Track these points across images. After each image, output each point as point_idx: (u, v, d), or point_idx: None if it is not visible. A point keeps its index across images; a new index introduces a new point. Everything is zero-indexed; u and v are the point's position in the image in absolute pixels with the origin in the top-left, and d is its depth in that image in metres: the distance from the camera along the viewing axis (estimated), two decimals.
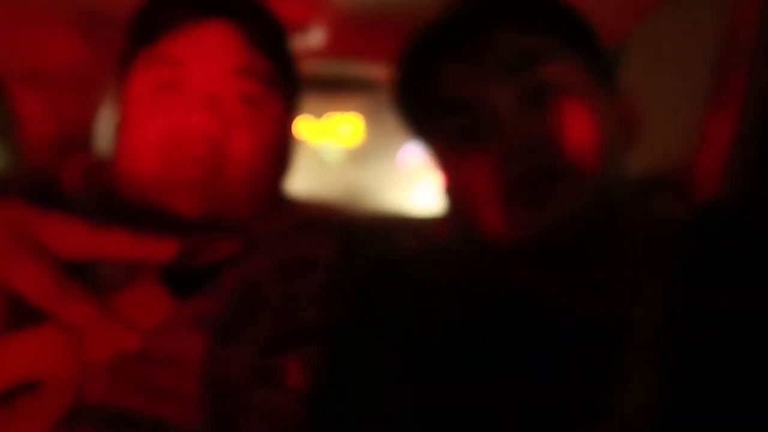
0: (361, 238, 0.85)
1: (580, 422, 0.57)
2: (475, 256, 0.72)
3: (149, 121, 0.71)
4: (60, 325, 0.59)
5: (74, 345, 0.59)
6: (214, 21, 0.72)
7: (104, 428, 0.59)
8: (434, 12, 0.71)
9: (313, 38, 1.28)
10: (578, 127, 0.60)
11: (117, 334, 0.50)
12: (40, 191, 0.76)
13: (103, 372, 0.62)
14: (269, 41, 0.76)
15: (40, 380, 0.56)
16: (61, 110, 1.36)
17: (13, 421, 0.55)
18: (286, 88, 0.80)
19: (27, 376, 0.55)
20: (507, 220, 0.61)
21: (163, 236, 0.50)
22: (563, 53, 0.63)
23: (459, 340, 0.64)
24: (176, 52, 0.71)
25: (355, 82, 1.65)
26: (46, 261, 0.42)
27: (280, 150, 0.81)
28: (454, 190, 0.70)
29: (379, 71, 1.53)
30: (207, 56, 0.71)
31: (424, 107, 0.69)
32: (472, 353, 0.63)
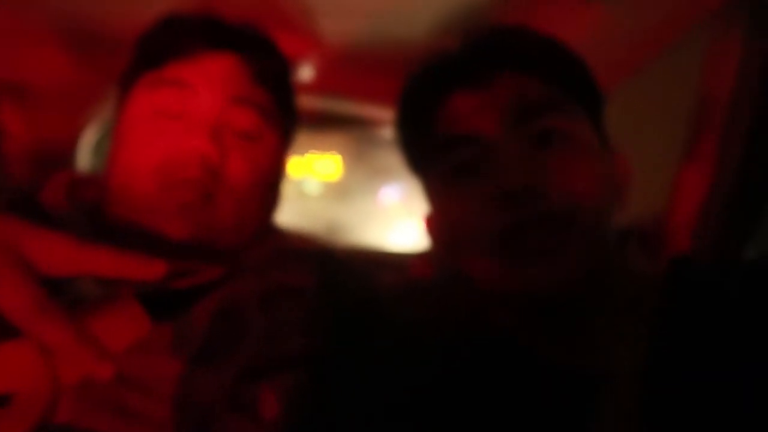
0: (343, 269, 0.85)
1: None
2: (458, 296, 0.72)
3: (148, 142, 0.71)
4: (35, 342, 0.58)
5: (48, 362, 0.58)
6: (222, 52, 0.74)
7: None
8: (425, 54, 0.70)
9: (303, 74, 1.30)
10: (580, 178, 0.58)
11: (91, 361, 0.48)
12: (21, 206, 0.75)
13: (72, 391, 0.60)
14: (272, 77, 0.78)
15: (11, 394, 0.54)
16: (44, 126, 1.35)
17: None
18: (284, 122, 0.82)
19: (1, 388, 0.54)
20: (499, 268, 0.59)
21: (150, 256, 0.49)
22: (570, 105, 0.62)
23: (436, 379, 0.63)
24: (183, 77, 0.72)
25: (341, 119, 1.67)
26: (29, 279, 0.41)
27: (273, 182, 0.82)
28: (444, 229, 0.67)
29: (365, 110, 1.56)
30: (211, 84, 0.72)
31: (426, 141, 0.66)
32: (448, 392, 0.62)
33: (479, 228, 0.59)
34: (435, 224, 0.71)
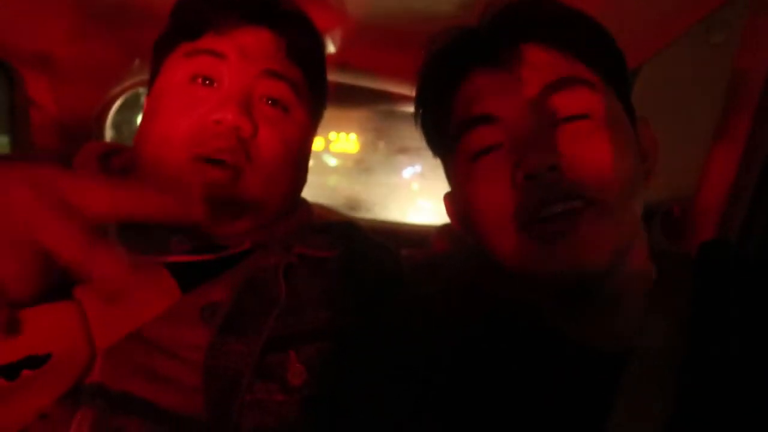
0: (366, 241, 0.86)
1: None
2: (481, 272, 0.71)
3: (181, 111, 0.72)
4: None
5: (84, 324, 0.60)
6: (257, 26, 0.75)
7: (102, 408, 0.59)
8: (444, 30, 0.68)
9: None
10: (606, 156, 0.56)
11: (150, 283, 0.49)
12: None
13: (106, 354, 0.62)
14: (305, 53, 0.79)
15: (49, 355, 0.56)
16: (70, 98, 1.36)
17: (18, 395, 0.55)
18: (314, 98, 0.83)
19: (38, 349, 0.56)
20: (523, 247, 0.58)
21: (189, 199, 0.49)
22: (595, 79, 0.60)
23: (461, 354, 0.64)
24: (218, 48, 0.73)
25: (361, 94, 1.66)
26: (75, 220, 0.41)
27: (301, 157, 0.82)
28: (467, 209, 0.65)
29: (387, 84, 1.55)
30: (245, 57, 0.73)
31: (446, 121, 0.65)
32: (472, 367, 0.63)
33: (503, 208, 0.58)
34: (456, 203, 0.71)
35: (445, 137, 0.66)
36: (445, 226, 1.19)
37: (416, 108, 0.72)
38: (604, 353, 0.59)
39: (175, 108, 0.72)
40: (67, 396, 0.58)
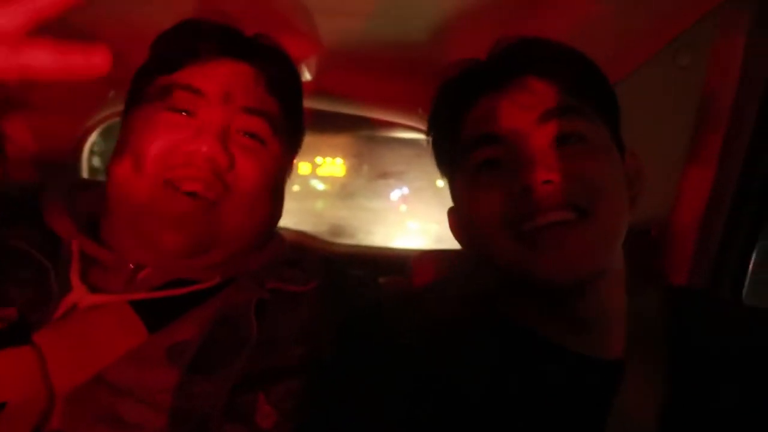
0: (343, 276, 0.85)
1: None
2: (473, 293, 0.75)
3: (155, 135, 0.70)
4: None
5: (43, 370, 0.58)
6: (237, 61, 0.75)
7: None
8: (455, 63, 0.76)
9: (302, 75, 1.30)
10: (595, 176, 0.63)
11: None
12: (17, 205, 0.75)
13: (67, 401, 0.60)
14: (283, 88, 0.80)
15: (4, 404, 0.54)
16: (47, 131, 1.35)
17: None
18: (290, 130, 0.83)
19: None
20: (517, 254, 0.63)
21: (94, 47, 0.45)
22: (588, 110, 0.67)
23: (445, 379, 0.63)
24: (196, 84, 0.72)
25: (343, 118, 1.66)
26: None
27: (278, 189, 0.82)
28: (469, 219, 0.71)
29: (363, 110, 1.55)
30: (224, 94, 0.73)
31: (456, 140, 0.72)
32: (460, 391, 0.62)
33: (500, 216, 0.64)
34: (459, 217, 0.76)
35: (455, 155, 0.73)
36: (424, 253, 1.18)
37: (428, 129, 0.80)
38: (599, 362, 0.64)
39: (150, 132, 0.71)
40: None
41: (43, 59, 0.44)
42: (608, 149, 0.67)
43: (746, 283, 0.97)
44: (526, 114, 0.66)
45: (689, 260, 0.95)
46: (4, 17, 0.45)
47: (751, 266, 0.97)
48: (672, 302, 0.70)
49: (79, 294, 0.67)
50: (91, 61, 0.45)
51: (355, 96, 1.46)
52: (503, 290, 0.72)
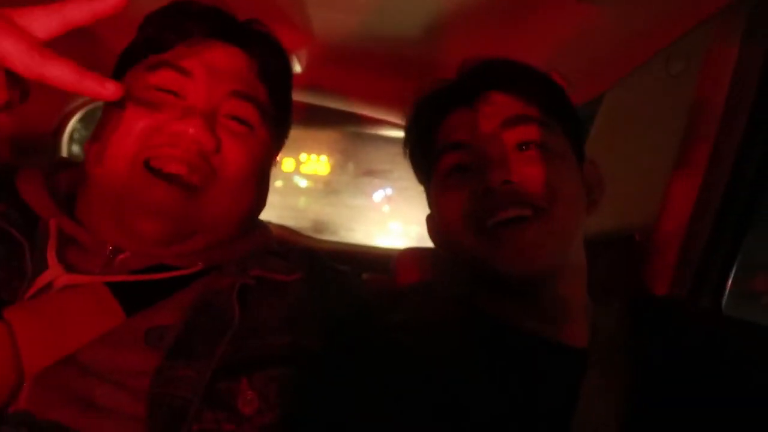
0: (329, 268, 0.84)
1: None
2: (441, 299, 0.79)
3: (139, 113, 0.69)
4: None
5: (13, 349, 0.56)
6: (228, 45, 0.74)
7: None
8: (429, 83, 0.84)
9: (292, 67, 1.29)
10: (552, 179, 0.70)
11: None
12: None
13: (37, 381, 0.58)
14: (274, 75, 0.79)
15: None
16: (27, 111, 1.32)
17: None
18: (278, 118, 0.82)
19: None
20: (483, 249, 0.70)
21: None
22: (547, 121, 0.75)
23: (433, 374, 0.64)
24: (186, 64, 0.71)
25: (330, 114, 1.65)
26: (24, 31, 0.50)
27: (263, 176, 0.81)
28: (442, 220, 0.78)
29: (352, 105, 1.55)
30: (213, 76, 0.72)
31: (430, 149, 0.80)
32: (436, 379, 0.63)
33: (466, 214, 0.72)
34: (434, 221, 0.84)
35: (429, 162, 0.80)
36: (407, 250, 1.18)
37: (405, 141, 0.88)
38: (568, 348, 0.70)
39: (134, 110, 0.69)
40: None
41: (63, 75, 0.51)
42: (564, 156, 0.75)
43: (725, 294, 0.98)
44: (489, 123, 0.74)
45: (672, 268, 0.96)
46: (37, 22, 0.52)
47: (731, 278, 0.98)
48: (634, 314, 0.75)
49: (54, 272, 0.65)
50: (103, 87, 0.53)
51: (344, 91, 1.46)
52: (477, 287, 0.77)
